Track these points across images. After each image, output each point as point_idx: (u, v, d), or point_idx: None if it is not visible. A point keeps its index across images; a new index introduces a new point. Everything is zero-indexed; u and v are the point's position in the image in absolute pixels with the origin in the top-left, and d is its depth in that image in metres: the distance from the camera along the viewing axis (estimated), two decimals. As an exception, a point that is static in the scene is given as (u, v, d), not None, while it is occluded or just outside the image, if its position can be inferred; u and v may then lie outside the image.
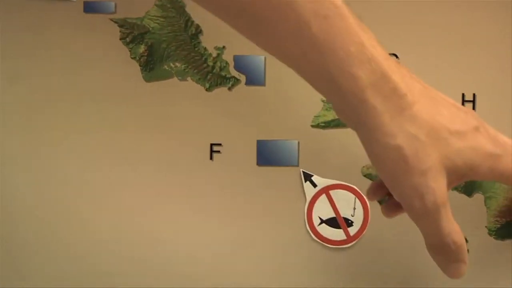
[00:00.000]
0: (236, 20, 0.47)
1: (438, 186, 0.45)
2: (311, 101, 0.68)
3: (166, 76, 0.68)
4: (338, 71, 0.44)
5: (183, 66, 0.68)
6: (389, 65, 0.44)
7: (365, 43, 0.44)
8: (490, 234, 0.69)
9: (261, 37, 0.47)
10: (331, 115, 0.68)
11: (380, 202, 0.68)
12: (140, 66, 0.68)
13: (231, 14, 0.46)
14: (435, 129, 0.45)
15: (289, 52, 0.45)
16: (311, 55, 0.44)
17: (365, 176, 0.69)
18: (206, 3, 0.47)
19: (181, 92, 0.68)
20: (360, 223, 0.69)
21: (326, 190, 0.69)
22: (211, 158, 0.69)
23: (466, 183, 0.68)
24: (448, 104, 0.47)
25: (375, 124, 0.44)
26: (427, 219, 0.46)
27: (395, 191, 0.47)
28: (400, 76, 0.45)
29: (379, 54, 0.44)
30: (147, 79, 0.68)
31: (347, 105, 0.45)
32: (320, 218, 0.69)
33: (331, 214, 0.69)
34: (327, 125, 0.68)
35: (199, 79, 0.68)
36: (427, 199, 0.45)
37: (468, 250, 0.49)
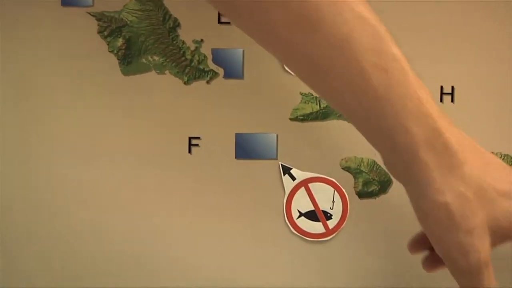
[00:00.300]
0: (298, 67, 0.47)
1: (482, 246, 0.46)
2: (289, 94, 0.68)
3: (144, 69, 0.68)
4: (394, 124, 0.44)
5: (161, 59, 0.68)
6: (442, 122, 0.45)
7: (422, 99, 0.44)
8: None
9: (320, 85, 0.47)
10: (309, 108, 0.68)
11: (359, 195, 0.69)
12: (118, 59, 0.68)
13: (295, 60, 0.46)
14: (483, 189, 0.45)
15: (346, 102, 0.46)
16: (367, 106, 0.44)
17: (343, 169, 0.69)
18: (269, 45, 0.47)
19: (159, 86, 0.68)
20: (339, 216, 0.69)
21: (305, 183, 0.69)
22: (189, 151, 0.69)
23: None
24: (496, 163, 0.48)
25: (426, 180, 0.45)
26: (469, 277, 0.46)
27: (438, 247, 0.47)
28: (452, 134, 0.45)
29: (434, 110, 0.45)
30: (125, 72, 0.68)
31: (399, 159, 0.45)
32: (299, 211, 0.69)
33: (310, 207, 0.69)
34: (306, 118, 0.68)
35: (177, 72, 0.68)
36: (472, 257, 0.45)
37: None
